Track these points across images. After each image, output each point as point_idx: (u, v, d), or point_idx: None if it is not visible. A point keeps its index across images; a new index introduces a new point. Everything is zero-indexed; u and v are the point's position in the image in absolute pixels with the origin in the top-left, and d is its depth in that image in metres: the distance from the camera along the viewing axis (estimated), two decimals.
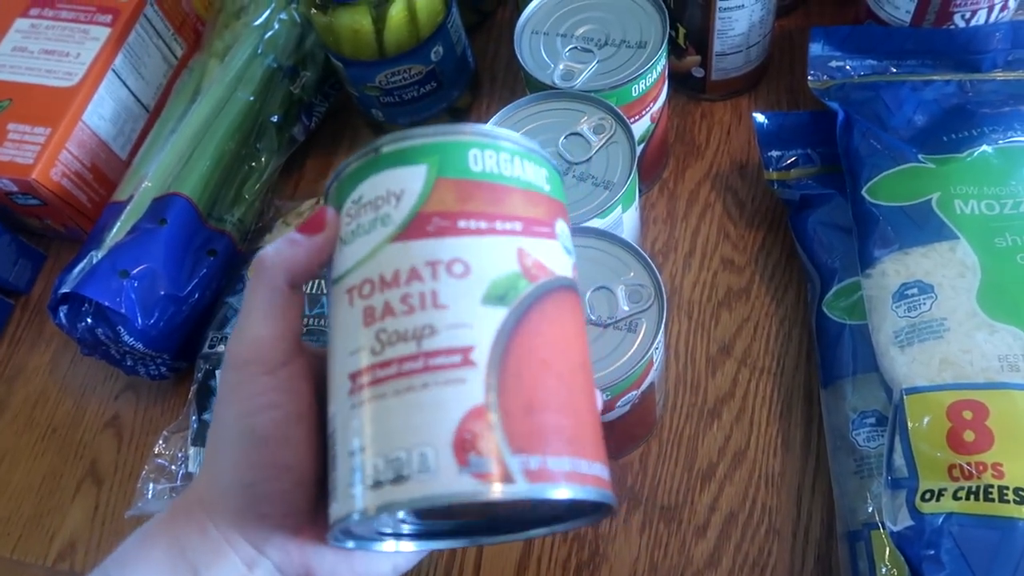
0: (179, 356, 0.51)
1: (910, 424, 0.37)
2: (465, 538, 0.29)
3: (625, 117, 0.43)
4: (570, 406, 0.25)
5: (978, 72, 0.48)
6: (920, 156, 0.44)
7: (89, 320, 0.47)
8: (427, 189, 0.25)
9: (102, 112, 0.58)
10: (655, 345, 0.37)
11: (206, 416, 0.49)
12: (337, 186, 0.28)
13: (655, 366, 0.40)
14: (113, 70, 0.58)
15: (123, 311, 0.47)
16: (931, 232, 0.41)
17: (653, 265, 0.39)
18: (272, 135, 0.57)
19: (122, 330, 0.47)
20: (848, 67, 0.50)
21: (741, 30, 0.52)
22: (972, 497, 0.34)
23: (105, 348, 0.50)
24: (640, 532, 0.46)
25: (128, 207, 0.51)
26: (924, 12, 0.49)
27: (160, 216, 0.50)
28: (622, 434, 0.45)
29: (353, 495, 0.24)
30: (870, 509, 0.39)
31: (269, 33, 0.57)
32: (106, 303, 0.47)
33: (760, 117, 0.51)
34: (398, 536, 0.28)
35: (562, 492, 0.23)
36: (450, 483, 0.22)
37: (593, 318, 0.38)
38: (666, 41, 0.46)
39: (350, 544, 0.27)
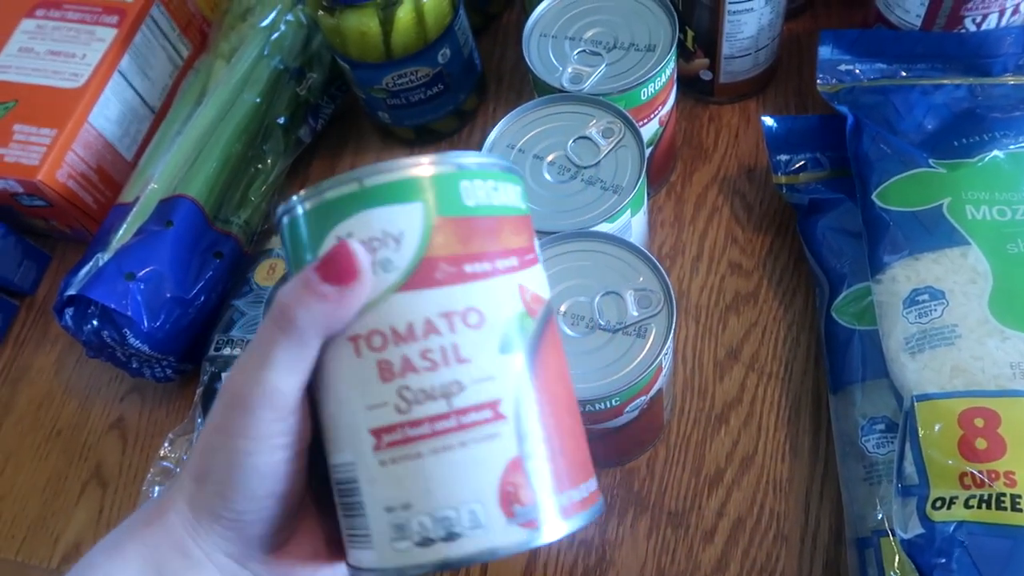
0: (185, 358, 0.51)
1: (921, 431, 0.36)
2: None
3: (634, 121, 0.43)
4: (575, 431, 0.26)
5: (989, 76, 0.48)
6: (931, 161, 0.43)
7: (95, 322, 0.47)
8: (427, 231, 0.24)
9: (108, 113, 0.58)
10: (664, 351, 0.37)
11: None
12: (311, 215, 0.25)
13: (664, 371, 0.40)
14: (119, 71, 0.58)
15: (129, 313, 0.47)
16: (942, 238, 0.40)
17: (662, 270, 0.39)
18: (278, 137, 0.56)
19: (128, 332, 0.47)
20: (857, 71, 0.50)
21: (750, 33, 0.51)
22: (984, 506, 0.34)
23: (111, 350, 0.49)
24: (647, 537, 0.45)
25: (134, 209, 0.51)
26: (935, 16, 0.49)
27: (166, 218, 0.50)
28: (630, 439, 0.44)
29: (399, 550, 0.24)
30: (879, 516, 0.39)
31: (275, 34, 0.57)
32: (112, 305, 0.47)
33: (769, 121, 0.51)
34: None
35: (586, 520, 0.25)
36: (502, 536, 0.23)
37: (602, 323, 0.38)
38: (675, 44, 0.45)
39: None
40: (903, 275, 0.41)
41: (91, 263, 0.49)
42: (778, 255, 0.52)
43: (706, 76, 0.55)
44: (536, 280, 0.26)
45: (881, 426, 0.41)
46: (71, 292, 0.47)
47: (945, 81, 0.48)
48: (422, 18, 0.51)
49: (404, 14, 0.50)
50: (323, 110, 0.60)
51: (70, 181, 0.56)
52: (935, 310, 0.39)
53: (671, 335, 0.37)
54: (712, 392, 0.49)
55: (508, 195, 0.26)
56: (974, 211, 0.41)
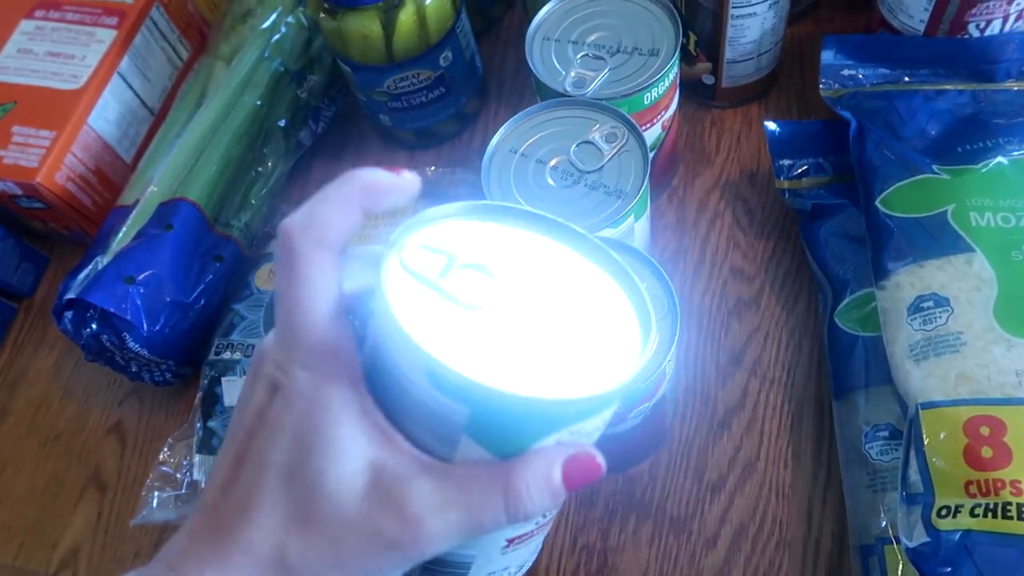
0: (184, 363, 0.51)
1: (926, 439, 0.36)
2: None
3: (637, 125, 0.43)
4: None
5: (992, 82, 0.48)
6: (934, 167, 0.43)
7: (94, 326, 0.47)
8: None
9: (107, 115, 0.57)
10: (669, 357, 0.37)
11: (211, 423, 0.48)
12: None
13: (668, 377, 0.40)
14: (119, 73, 0.58)
15: (128, 317, 0.46)
16: (947, 244, 0.40)
17: (667, 277, 0.38)
18: (279, 140, 0.56)
19: (127, 336, 0.47)
20: (860, 76, 0.50)
21: (753, 37, 0.51)
22: (990, 514, 0.33)
23: (110, 354, 0.49)
24: (649, 544, 0.45)
25: (134, 212, 0.51)
26: (938, 21, 0.49)
27: (166, 221, 0.49)
28: (633, 445, 0.44)
29: None
30: (883, 523, 0.39)
31: (276, 37, 0.57)
32: (112, 309, 0.46)
33: (772, 125, 0.50)
34: None
35: None
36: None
37: None
38: (679, 49, 0.45)
39: None
40: (907, 282, 0.41)
41: (90, 266, 0.48)
42: (780, 260, 0.52)
43: (708, 80, 0.55)
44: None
45: (885, 433, 0.41)
46: (70, 296, 0.47)
47: (948, 87, 0.48)
48: (424, 21, 0.51)
49: (406, 17, 0.50)
50: (324, 113, 0.60)
51: (69, 183, 0.55)
52: (940, 317, 0.39)
53: (675, 341, 0.37)
54: (714, 398, 0.48)
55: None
56: (978, 218, 0.40)
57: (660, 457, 0.47)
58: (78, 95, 0.56)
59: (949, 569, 0.33)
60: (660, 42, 0.46)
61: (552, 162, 0.43)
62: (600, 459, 0.26)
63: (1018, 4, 0.47)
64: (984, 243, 0.40)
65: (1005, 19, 0.48)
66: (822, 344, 0.48)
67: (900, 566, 0.37)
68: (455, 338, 0.24)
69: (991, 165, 0.42)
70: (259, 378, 0.26)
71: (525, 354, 0.24)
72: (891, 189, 0.44)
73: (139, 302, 0.47)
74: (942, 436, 0.36)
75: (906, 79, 0.49)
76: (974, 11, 0.47)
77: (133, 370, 0.51)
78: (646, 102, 0.46)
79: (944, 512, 0.35)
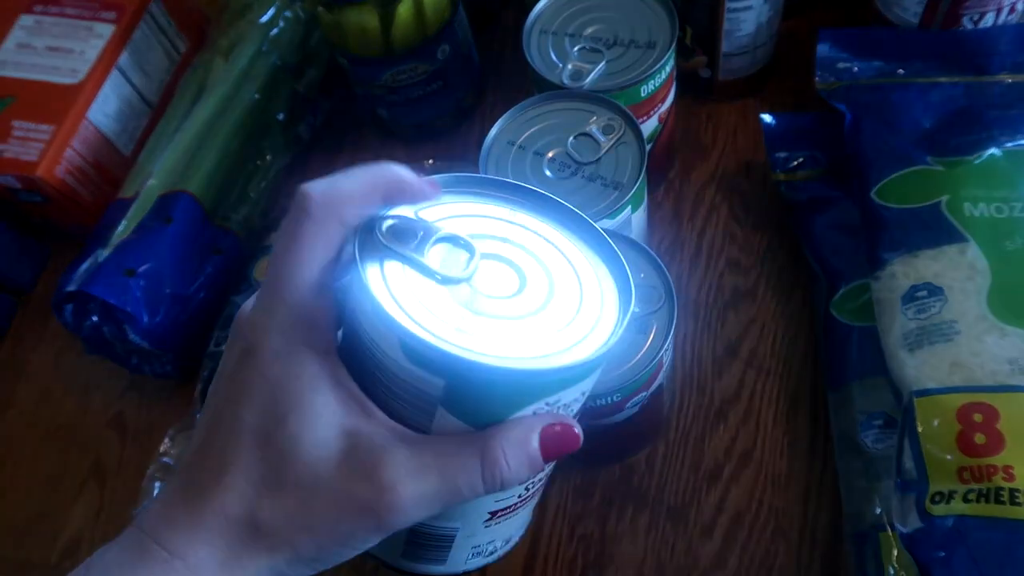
0: (184, 355, 0.51)
1: (920, 427, 0.37)
2: None
3: (634, 117, 0.43)
4: None
5: (986, 74, 0.48)
6: (929, 158, 0.44)
7: (95, 318, 0.47)
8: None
9: (106, 109, 0.58)
10: (666, 347, 0.37)
11: None
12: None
13: (665, 367, 0.40)
14: (118, 67, 0.58)
15: (129, 309, 0.47)
16: (940, 235, 0.41)
17: (664, 267, 0.39)
18: (277, 133, 0.56)
19: (128, 328, 0.47)
20: (855, 69, 0.50)
21: (749, 31, 0.52)
22: (983, 500, 0.34)
23: (110, 346, 0.49)
24: (647, 533, 0.46)
25: (133, 205, 0.51)
26: (932, 14, 0.49)
27: (166, 214, 0.50)
28: (630, 435, 0.45)
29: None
30: (878, 511, 0.39)
31: (274, 31, 0.57)
32: (112, 301, 0.47)
33: (767, 118, 0.51)
34: None
35: None
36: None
37: None
38: (675, 42, 0.46)
39: None
40: (902, 272, 0.41)
41: (90, 259, 0.49)
42: (776, 252, 0.52)
43: (705, 74, 0.56)
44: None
45: (879, 422, 0.41)
46: (71, 288, 0.47)
47: (943, 79, 0.48)
48: (422, 14, 0.51)
49: (404, 10, 0.50)
50: (322, 107, 0.60)
51: (68, 177, 0.56)
52: (934, 306, 0.39)
53: (672, 331, 0.37)
54: (711, 388, 0.49)
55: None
56: (972, 208, 0.41)
57: (657, 447, 0.48)
58: (77, 89, 0.56)
59: (943, 554, 0.34)
60: (657, 35, 0.47)
61: (549, 154, 0.43)
62: (578, 429, 0.26)
63: None
64: (978, 233, 0.40)
65: (998, 12, 0.49)
66: (817, 335, 0.48)
67: (894, 552, 0.37)
68: (430, 310, 0.24)
69: (985, 156, 0.43)
70: (237, 341, 0.26)
71: (501, 326, 0.24)
72: (886, 180, 0.44)
73: (139, 294, 0.47)
74: (936, 423, 0.36)
75: (900, 72, 0.49)
76: (968, 4, 0.48)
77: (133, 362, 0.51)
78: (643, 94, 0.46)
79: (938, 498, 0.35)
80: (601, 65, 0.46)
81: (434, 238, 0.26)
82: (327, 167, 0.60)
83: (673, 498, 0.46)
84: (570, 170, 0.43)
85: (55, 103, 0.56)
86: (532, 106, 0.45)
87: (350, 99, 0.61)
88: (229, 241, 0.52)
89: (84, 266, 0.49)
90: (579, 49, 0.47)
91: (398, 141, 0.61)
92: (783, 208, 0.53)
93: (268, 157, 0.56)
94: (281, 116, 0.57)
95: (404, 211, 0.26)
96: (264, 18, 0.57)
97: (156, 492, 0.48)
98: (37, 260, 0.61)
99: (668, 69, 0.47)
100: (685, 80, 0.57)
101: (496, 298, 0.25)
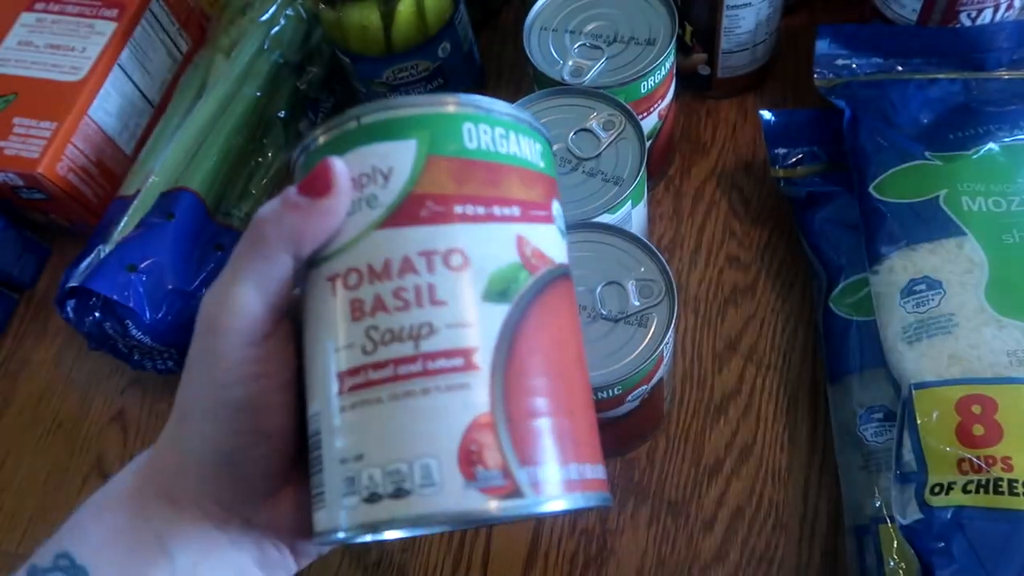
0: (186, 351, 0.51)
1: (919, 419, 0.37)
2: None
3: (635, 113, 0.44)
4: (572, 407, 0.24)
5: (983, 71, 0.48)
6: (927, 153, 0.44)
7: (97, 314, 0.47)
8: (418, 168, 0.22)
9: (108, 107, 0.58)
10: (666, 340, 0.38)
11: None
12: (306, 159, 0.25)
13: (665, 361, 0.40)
14: (119, 65, 0.58)
15: (131, 305, 0.47)
16: (939, 229, 0.41)
17: (664, 260, 0.39)
18: (279, 131, 0.57)
19: (130, 324, 0.47)
20: (854, 65, 0.50)
21: (748, 28, 0.52)
22: (981, 490, 0.34)
23: (112, 342, 0.49)
24: (648, 526, 0.46)
25: (135, 201, 0.51)
26: (930, 11, 0.49)
27: (168, 210, 0.50)
28: (630, 429, 0.45)
29: (347, 506, 0.22)
30: (878, 503, 0.40)
31: (275, 29, 0.57)
32: (114, 297, 0.47)
33: (767, 114, 0.51)
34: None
35: (568, 503, 0.22)
36: (457, 499, 0.21)
37: (604, 313, 0.38)
38: (675, 38, 0.46)
39: (335, 543, 0.25)
40: (900, 265, 0.41)
41: (92, 255, 0.49)
42: (775, 248, 0.53)
43: (704, 71, 0.56)
44: (543, 238, 0.24)
45: (879, 415, 0.41)
46: (73, 284, 0.47)
47: (940, 76, 0.49)
48: (423, 12, 0.51)
49: (405, 8, 0.51)
50: (323, 104, 0.60)
51: (70, 174, 0.56)
52: (932, 300, 0.39)
53: (672, 324, 0.38)
54: (711, 383, 0.49)
55: (522, 147, 0.24)
56: (970, 202, 0.41)
57: (658, 441, 0.48)
58: (79, 87, 0.56)
59: (942, 544, 0.34)
60: (657, 31, 0.47)
61: None
62: (333, 167, 0.23)
63: None
64: (975, 227, 0.40)
65: (996, 9, 0.49)
66: (817, 329, 0.48)
67: (894, 544, 0.38)
68: None
69: (982, 151, 0.43)
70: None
71: None
72: (884, 175, 0.44)
73: (141, 290, 0.47)
74: (935, 415, 0.36)
75: (899, 68, 0.50)
76: (965, 1, 0.48)
77: (136, 359, 0.51)
78: (643, 91, 0.46)
79: (937, 489, 0.35)
80: (601, 62, 0.46)
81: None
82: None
83: (674, 492, 0.46)
84: (570, 165, 0.43)
85: (56, 100, 0.56)
86: (533, 101, 0.45)
87: (351, 97, 0.62)
88: (231, 237, 0.52)
89: (86, 262, 0.49)
90: (579, 46, 0.47)
91: None
92: (782, 204, 0.54)
93: (269, 154, 0.56)
94: (282, 114, 0.57)
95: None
96: (265, 16, 0.57)
97: None
98: (38, 258, 0.61)
99: (668, 66, 0.47)
100: (685, 78, 0.57)
101: None
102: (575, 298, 0.26)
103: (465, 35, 0.56)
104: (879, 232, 0.43)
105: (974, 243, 0.40)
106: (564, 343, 0.24)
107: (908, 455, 0.37)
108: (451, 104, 0.23)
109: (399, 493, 0.21)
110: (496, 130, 0.24)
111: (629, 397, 0.39)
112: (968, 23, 0.49)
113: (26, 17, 0.59)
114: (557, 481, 0.22)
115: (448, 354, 0.22)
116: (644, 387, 0.40)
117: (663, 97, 0.48)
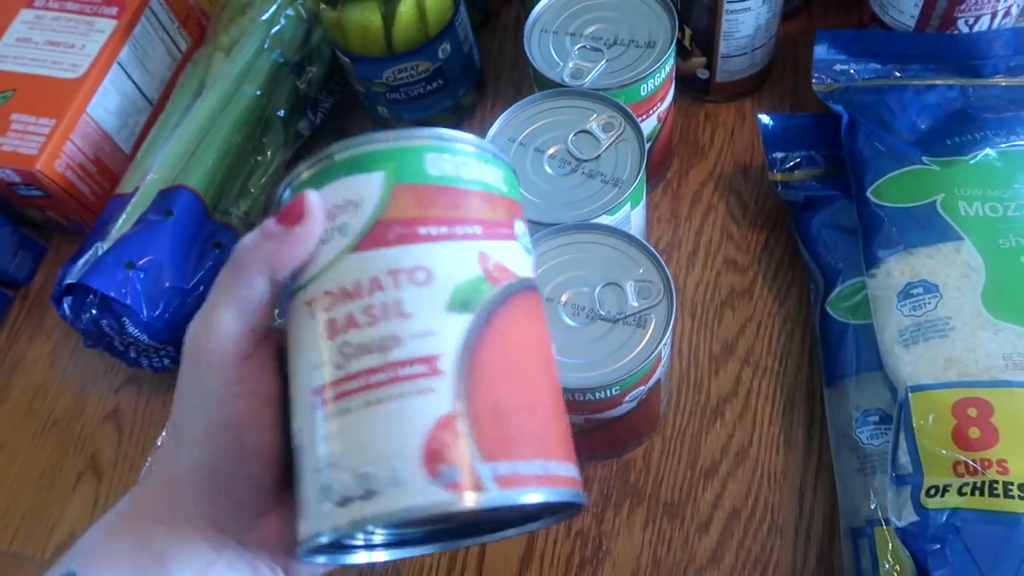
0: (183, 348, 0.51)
1: (915, 421, 0.37)
2: (438, 543, 0.29)
3: (634, 115, 0.44)
4: (537, 408, 0.25)
5: (980, 77, 0.49)
6: (924, 158, 0.44)
7: (94, 311, 0.47)
8: (385, 196, 0.25)
9: (107, 105, 0.58)
10: (664, 341, 0.38)
11: None
12: (290, 193, 0.27)
13: (663, 362, 0.40)
14: (118, 63, 0.58)
15: (128, 303, 0.47)
16: (936, 233, 0.41)
17: (662, 261, 0.39)
18: (278, 130, 0.57)
19: (127, 322, 0.47)
20: (852, 70, 0.51)
21: (747, 32, 0.52)
22: (977, 493, 0.34)
23: (109, 340, 0.49)
24: (643, 528, 0.46)
25: (134, 199, 0.51)
26: (928, 17, 0.50)
27: (166, 208, 0.50)
28: (627, 430, 0.45)
29: (322, 513, 0.23)
30: (873, 506, 0.40)
31: (276, 28, 0.57)
32: (112, 294, 0.47)
33: (765, 118, 0.51)
34: (370, 547, 0.27)
35: (533, 496, 0.23)
36: (421, 495, 0.22)
37: (603, 313, 0.39)
38: (675, 41, 0.46)
39: (321, 559, 0.26)
40: (897, 269, 0.41)
41: (90, 252, 0.49)
42: (773, 251, 0.53)
43: (703, 75, 0.56)
44: (506, 253, 0.26)
45: (875, 418, 0.41)
46: (70, 281, 0.47)
47: (938, 82, 0.49)
48: (424, 13, 0.52)
49: (406, 8, 0.51)
50: (322, 104, 0.60)
51: (68, 172, 0.56)
52: (929, 303, 0.39)
53: (671, 325, 0.38)
54: (707, 386, 0.49)
55: (483, 173, 0.26)
56: (967, 207, 0.41)
57: (654, 443, 0.48)
58: (78, 84, 0.56)
59: (937, 546, 0.34)
60: (656, 34, 0.47)
61: (550, 151, 0.44)
62: (307, 198, 0.25)
63: (1006, 1, 0.48)
64: (972, 231, 0.40)
65: (993, 16, 0.49)
66: (813, 333, 0.49)
67: (890, 546, 0.38)
68: None
69: (979, 157, 0.43)
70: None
71: None
72: (882, 180, 0.44)
73: (139, 287, 0.47)
74: (931, 418, 0.37)
75: (897, 74, 0.50)
76: (963, 7, 0.48)
77: (132, 356, 0.51)
78: (643, 93, 0.46)
79: (933, 492, 0.35)
80: (601, 64, 0.46)
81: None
82: None
83: (669, 494, 0.46)
84: (570, 167, 0.43)
85: (55, 97, 0.56)
86: (533, 103, 0.45)
87: (351, 97, 0.62)
88: (229, 236, 0.52)
89: (83, 259, 0.49)
90: (580, 48, 0.47)
91: None
92: (780, 208, 0.54)
93: (268, 153, 0.56)
94: (282, 113, 0.57)
95: None
96: (265, 15, 0.57)
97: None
98: (35, 255, 0.60)
99: (668, 68, 0.47)
100: (684, 81, 0.57)
101: None
102: (542, 308, 0.28)
103: (465, 36, 0.56)
104: (877, 236, 0.43)
105: (971, 247, 0.40)
106: (528, 348, 0.26)
107: (904, 458, 0.37)
108: (415, 138, 0.26)
109: (368, 495, 0.22)
110: (458, 158, 0.26)
111: (627, 398, 0.40)
112: (966, 29, 0.50)
113: (26, 14, 0.59)
114: (520, 475, 0.23)
115: (413, 361, 0.23)
116: (642, 388, 0.40)
117: (662, 100, 0.49)
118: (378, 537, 0.27)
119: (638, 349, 0.38)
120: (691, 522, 0.46)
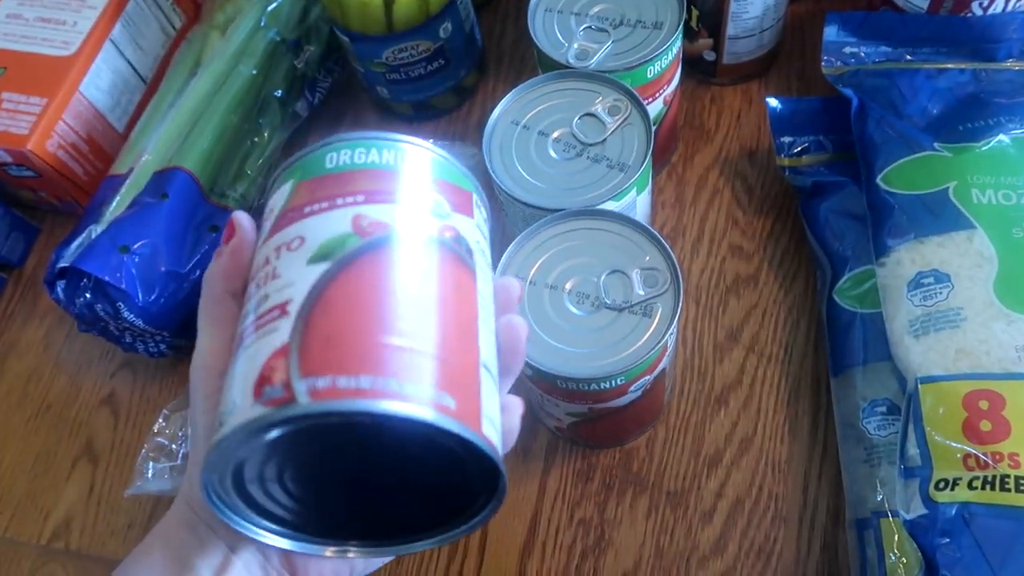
0: (179, 334, 0.50)
1: (925, 413, 0.36)
2: (377, 546, 0.29)
3: (641, 99, 0.43)
4: (399, 336, 0.24)
5: (994, 61, 0.48)
6: (936, 144, 0.43)
7: (88, 295, 0.46)
8: (288, 194, 0.28)
9: (99, 83, 0.56)
10: (670, 331, 0.37)
11: None
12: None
13: (668, 352, 0.40)
14: (111, 40, 0.57)
15: (123, 287, 0.46)
16: (948, 221, 0.40)
17: (669, 249, 0.38)
18: (275, 110, 0.55)
19: (122, 306, 0.46)
20: (863, 53, 0.50)
21: (756, 13, 0.51)
22: (988, 487, 0.34)
23: (103, 324, 0.48)
24: (646, 517, 0.45)
25: (128, 180, 0.50)
26: None
27: (161, 190, 0.49)
28: (630, 419, 0.44)
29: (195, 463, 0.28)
30: (879, 497, 0.39)
31: (272, 6, 0.56)
32: (106, 278, 0.46)
33: (773, 102, 0.50)
34: (343, 548, 0.28)
35: (349, 407, 0.23)
36: (244, 415, 0.23)
37: (608, 302, 0.38)
38: (682, 22, 0.45)
39: (225, 513, 0.26)
40: (908, 258, 0.41)
41: (84, 235, 0.48)
42: (779, 238, 0.52)
43: (709, 57, 0.55)
44: (388, 213, 0.27)
45: (882, 408, 0.41)
46: (63, 264, 0.46)
47: (950, 65, 0.48)
48: None
49: None
50: (320, 84, 0.59)
51: (60, 151, 0.54)
52: (940, 293, 0.39)
53: (677, 315, 0.37)
54: (712, 374, 0.49)
55: (381, 156, 0.28)
56: (980, 195, 0.41)
57: (657, 432, 0.47)
58: (70, 62, 0.55)
59: (947, 540, 0.34)
60: (664, 15, 0.46)
61: (555, 134, 0.43)
62: (234, 218, 0.30)
63: None
64: (985, 220, 0.40)
65: None
66: (820, 321, 0.48)
67: (896, 538, 0.37)
68: None
69: (992, 143, 0.42)
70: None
71: None
72: (892, 166, 0.44)
73: (134, 271, 0.46)
74: (941, 410, 0.36)
75: (908, 57, 0.49)
76: None
77: (127, 341, 0.50)
78: (649, 76, 0.45)
79: (942, 485, 0.35)
80: (607, 45, 0.45)
81: None
82: None
83: (673, 483, 0.46)
84: (575, 151, 0.42)
85: (46, 75, 0.54)
86: (537, 85, 0.44)
87: (349, 77, 0.60)
88: (226, 219, 0.51)
89: (77, 242, 0.48)
90: (585, 28, 0.46)
91: (397, 120, 0.60)
92: (786, 194, 0.53)
93: (265, 134, 0.55)
94: (279, 93, 0.55)
95: None
96: None
97: (149, 472, 0.47)
98: (27, 237, 0.59)
99: (675, 50, 0.46)
100: (690, 63, 0.56)
101: None
102: (459, 259, 0.28)
103: (467, 16, 0.55)
104: (886, 224, 0.42)
105: (984, 237, 0.39)
106: (408, 288, 0.26)
107: (913, 450, 0.37)
108: (322, 145, 0.29)
109: (218, 426, 0.24)
110: (357, 150, 0.28)
111: (632, 387, 0.39)
112: (980, 12, 0.49)
113: None
114: (339, 388, 0.23)
115: (271, 310, 0.25)
116: (647, 377, 0.39)
117: (669, 82, 0.48)
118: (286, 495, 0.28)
119: (644, 339, 0.37)
120: (694, 511, 0.45)
